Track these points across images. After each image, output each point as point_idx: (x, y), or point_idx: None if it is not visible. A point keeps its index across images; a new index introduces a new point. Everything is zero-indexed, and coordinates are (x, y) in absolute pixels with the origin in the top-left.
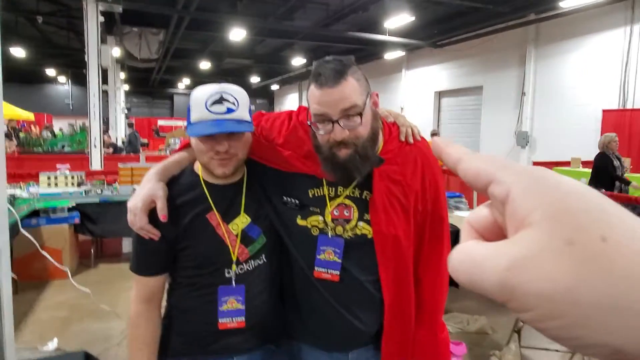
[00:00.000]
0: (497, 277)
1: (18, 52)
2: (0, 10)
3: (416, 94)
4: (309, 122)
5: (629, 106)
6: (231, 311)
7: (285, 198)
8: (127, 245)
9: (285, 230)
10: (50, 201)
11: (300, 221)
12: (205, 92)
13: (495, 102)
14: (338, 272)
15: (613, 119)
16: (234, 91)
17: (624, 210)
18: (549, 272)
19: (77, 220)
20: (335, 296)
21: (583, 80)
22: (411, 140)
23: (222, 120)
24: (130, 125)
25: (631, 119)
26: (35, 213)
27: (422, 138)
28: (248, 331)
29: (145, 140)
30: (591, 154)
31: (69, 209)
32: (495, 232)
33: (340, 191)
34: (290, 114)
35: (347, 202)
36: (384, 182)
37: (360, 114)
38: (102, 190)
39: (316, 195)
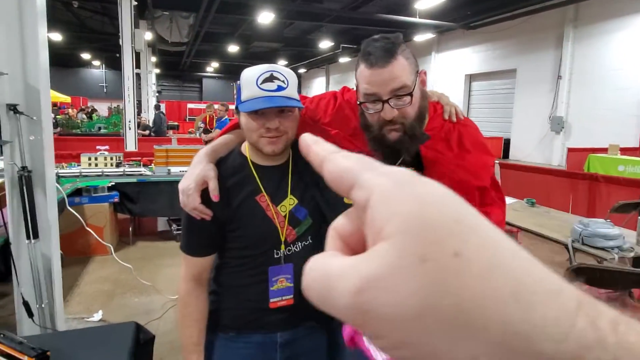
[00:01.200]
0: (348, 299)
1: (55, 36)
2: None
3: (446, 78)
4: (358, 102)
5: None
6: (281, 290)
7: None
8: (162, 224)
9: (331, 211)
10: (91, 180)
11: (347, 201)
12: (256, 71)
13: (529, 86)
14: None
15: None
16: (284, 70)
17: (485, 221)
18: (400, 295)
19: (116, 200)
20: None
21: (625, 63)
22: (454, 118)
23: (273, 97)
24: (156, 107)
25: None
26: (78, 192)
27: (465, 117)
28: (294, 308)
29: (175, 123)
30: (630, 140)
31: (109, 189)
32: (361, 242)
33: None
34: (334, 94)
35: None
36: (432, 157)
37: (410, 94)
38: (139, 172)
39: None
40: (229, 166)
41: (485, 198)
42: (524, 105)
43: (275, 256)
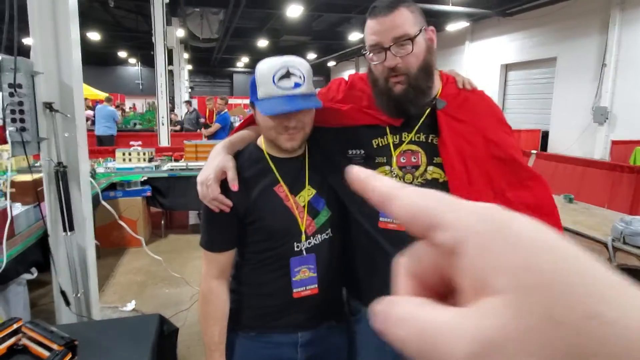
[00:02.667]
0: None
1: (93, 36)
2: None
3: (480, 68)
4: (363, 53)
5: None
6: (304, 280)
7: (350, 151)
8: (192, 217)
9: (350, 191)
10: (125, 175)
11: None
12: (271, 66)
13: (570, 75)
14: None
15: None
16: (299, 64)
17: (607, 270)
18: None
19: (149, 194)
20: (399, 247)
21: None
22: (468, 87)
23: (292, 97)
24: (189, 103)
25: None
26: (112, 186)
27: (478, 89)
28: (317, 303)
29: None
30: None
31: (142, 183)
32: (441, 283)
33: (404, 137)
34: (343, 78)
35: (413, 147)
36: (449, 123)
37: (412, 41)
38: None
39: (380, 145)
40: (246, 159)
41: (520, 173)
42: (564, 96)
43: (296, 249)
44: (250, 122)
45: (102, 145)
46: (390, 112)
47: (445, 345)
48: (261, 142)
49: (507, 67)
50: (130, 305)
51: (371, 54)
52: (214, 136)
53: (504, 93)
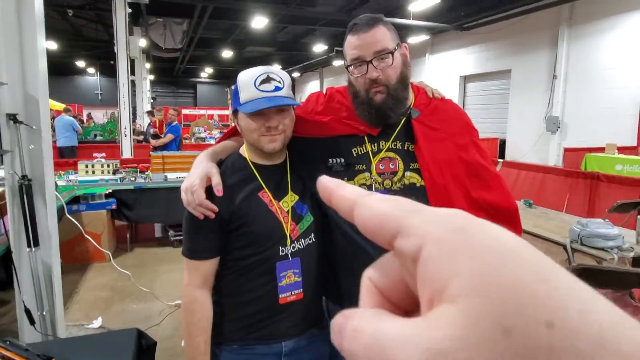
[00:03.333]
0: None
1: (50, 45)
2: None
3: (441, 79)
4: (345, 66)
5: None
6: (290, 285)
7: (330, 160)
8: (158, 230)
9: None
10: (89, 188)
11: (347, 182)
12: (252, 73)
13: (524, 86)
14: None
15: None
16: (279, 72)
17: (568, 276)
18: None
19: (114, 207)
20: (379, 251)
21: (621, 61)
22: (438, 96)
23: (273, 97)
24: (151, 113)
25: None
26: (75, 199)
27: (446, 97)
28: (302, 309)
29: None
30: (627, 139)
31: (106, 196)
32: (406, 296)
33: (382, 145)
34: (321, 91)
35: (391, 154)
36: (423, 130)
37: (392, 54)
38: (135, 178)
39: (360, 153)
40: (229, 166)
41: (484, 174)
42: (519, 106)
43: (281, 253)
44: (232, 133)
45: (62, 157)
46: (371, 121)
47: (394, 356)
48: (244, 150)
49: (466, 79)
50: (97, 323)
51: (352, 67)
52: (165, 147)
53: (463, 104)
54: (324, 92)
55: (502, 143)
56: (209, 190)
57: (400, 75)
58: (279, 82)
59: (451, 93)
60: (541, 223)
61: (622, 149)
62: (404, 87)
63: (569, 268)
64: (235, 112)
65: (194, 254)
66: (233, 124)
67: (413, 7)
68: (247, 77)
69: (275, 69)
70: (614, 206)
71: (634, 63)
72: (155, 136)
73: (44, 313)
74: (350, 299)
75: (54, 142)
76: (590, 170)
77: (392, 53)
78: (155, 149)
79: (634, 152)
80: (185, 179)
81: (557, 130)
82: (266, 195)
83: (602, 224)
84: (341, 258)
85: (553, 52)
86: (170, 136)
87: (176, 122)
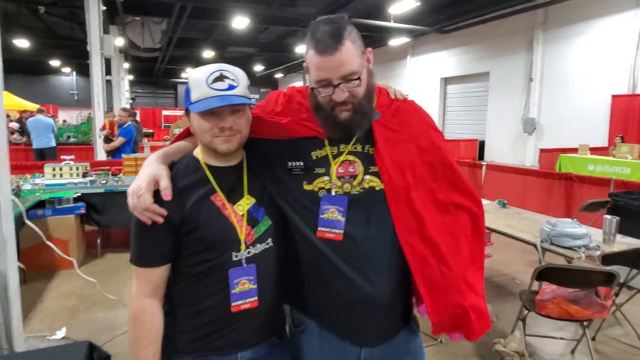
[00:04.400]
0: None
1: (22, 43)
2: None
3: (421, 81)
4: (310, 87)
5: (638, 91)
6: (244, 292)
7: (290, 163)
8: None
9: (290, 201)
10: (55, 192)
11: (306, 186)
12: (205, 71)
13: (502, 88)
14: (341, 231)
15: (623, 105)
16: (234, 69)
17: None
18: None
19: (82, 211)
20: (341, 256)
21: (592, 64)
22: (400, 97)
23: (225, 96)
24: (132, 114)
25: None
26: (41, 204)
27: (408, 99)
28: (257, 317)
29: (150, 131)
30: (599, 140)
31: (75, 200)
32: None
33: (342, 148)
34: (282, 90)
35: (351, 157)
36: (383, 133)
37: (359, 78)
38: (107, 181)
39: (319, 156)
40: (181, 168)
41: (452, 179)
42: (497, 108)
43: (234, 259)
44: (187, 134)
45: (43, 158)
46: (335, 135)
47: None
48: (198, 152)
49: (446, 81)
50: (60, 333)
51: (317, 87)
52: (118, 150)
53: (444, 105)
54: (285, 91)
55: (482, 144)
56: (157, 194)
57: (367, 88)
58: (233, 80)
59: (432, 95)
60: (514, 223)
61: (594, 150)
62: (370, 99)
63: (536, 268)
64: (187, 112)
65: (143, 261)
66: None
67: (394, 10)
68: (199, 75)
69: (231, 66)
70: (584, 205)
71: (603, 66)
72: (107, 139)
73: None
74: (314, 306)
75: (19, 144)
76: (565, 171)
77: (359, 76)
78: (108, 153)
79: (605, 153)
80: (133, 181)
81: (533, 131)
82: (219, 198)
83: (570, 223)
84: (303, 265)
85: (529, 56)
86: (121, 139)
87: (129, 122)
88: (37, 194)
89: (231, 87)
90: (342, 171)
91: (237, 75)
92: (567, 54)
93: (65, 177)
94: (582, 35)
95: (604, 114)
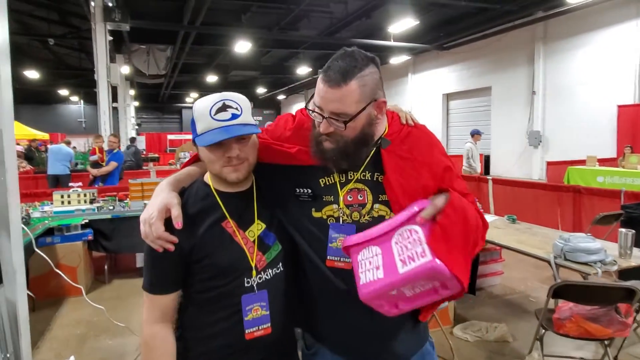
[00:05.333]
0: None
1: (32, 74)
2: (10, 33)
3: (423, 97)
4: (305, 106)
5: None
6: (257, 319)
7: (298, 190)
8: (140, 260)
9: (299, 227)
10: (63, 219)
11: (315, 213)
12: (207, 102)
13: (505, 102)
14: (351, 260)
15: (630, 114)
16: (236, 97)
17: None
18: None
19: (90, 237)
20: (351, 285)
21: (595, 76)
22: (411, 123)
23: (228, 127)
24: (131, 140)
25: None
26: (50, 231)
27: (419, 123)
28: (270, 344)
29: (156, 155)
30: (607, 151)
31: (83, 226)
32: None
33: (351, 176)
34: (291, 114)
35: (360, 185)
36: (393, 160)
37: (346, 122)
38: (114, 207)
39: (328, 183)
40: (192, 195)
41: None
42: (501, 122)
43: (247, 285)
44: (197, 158)
45: (58, 184)
46: (321, 164)
47: None
48: (208, 177)
49: (449, 97)
50: None
51: (312, 108)
52: (109, 175)
53: (447, 121)
54: (294, 115)
55: (487, 159)
56: (169, 222)
57: (359, 134)
58: (236, 109)
59: (435, 111)
60: (525, 239)
61: (602, 161)
62: (360, 146)
63: (552, 286)
64: (195, 142)
65: (154, 288)
66: None
67: (393, 29)
68: (202, 107)
69: (233, 94)
70: (596, 218)
71: (607, 77)
72: (96, 164)
73: (8, 355)
74: (324, 332)
75: (38, 171)
76: (573, 183)
77: (347, 120)
78: (96, 179)
79: (614, 164)
80: (144, 209)
81: (539, 144)
82: (230, 225)
83: (583, 238)
84: (313, 291)
85: (530, 69)
86: (113, 164)
87: (117, 149)
88: (46, 221)
89: (234, 117)
90: (350, 199)
91: (239, 103)
92: (570, 66)
93: (73, 204)
94: (583, 47)
95: (610, 124)
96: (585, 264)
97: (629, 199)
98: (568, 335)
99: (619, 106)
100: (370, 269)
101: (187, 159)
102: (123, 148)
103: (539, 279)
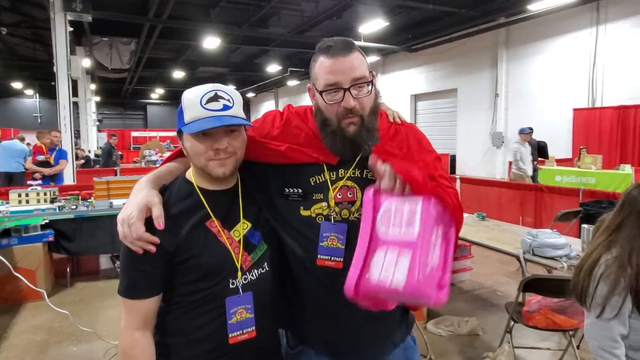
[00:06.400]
0: None
1: None
2: None
3: (392, 98)
4: (319, 91)
5: (597, 104)
6: (241, 322)
7: (287, 190)
8: (104, 262)
9: (286, 226)
10: (21, 219)
11: (303, 212)
12: (198, 91)
13: (469, 104)
14: (342, 259)
15: (583, 118)
16: (228, 89)
17: None
18: None
19: (51, 238)
20: (341, 284)
21: (553, 80)
22: (398, 121)
23: (219, 116)
24: (112, 135)
25: (600, 116)
26: (6, 232)
27: (407, 122)
28: (255, 348)
29: (119, 153)
30: (564, 152)
31: (42, 227)
32: None
33: (341, 174)
34: (278, 110)
35: (350, 183)
36: (383, 157)
37: (370, 83)
38: (76, 206)
39: (318, 182)
40: (174, 193)
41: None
42: (466, 123)
43: (232, 286)
44: (178, 154)
45: (11, 183)
46: (343, 152)
47: None
48: (190, 174)
49: (416, 97)
50: None
51: (325, 93)
52: (56, 176)
53: (414, 121)
54: (281, 111)
55: (453, 158)
56: (149, 221)
57: (374, 104)
58: (228, 100)
59: (403, 111)
60: (495, 235)
61: (560, 161)
62: (376, 117)
63: (523, 280)
64: (180, 133)
65: (133, 293)
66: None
67: (363, 29)
68: (193, 95)
69: (225, 86)
70: (558, 215)
71: (564, 82)
72: (44, 163)
73: None
74: (310, 333)
75: None
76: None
77: (369, 82)
78: (44, 177)
79: (571, 164)
80: (123, 208)
81: (501, 145)
82: (214, 224)
83: (550, 234)
84: (299, 292)
85: (494, 72)
86: (64, 162)
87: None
88: (2, 221)
89: (226, 108)
90: (340, 197)
91: (231, 95)
92: (530, 70)
93: (32, 203)
94: (542, 53)
95: (566, 126)
96: (552, 258)
97: (586, 196)
98: (537, 327)
99: (575, 109)
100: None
101: (156, 157)
102: (93, 146)
103: (505, 274)
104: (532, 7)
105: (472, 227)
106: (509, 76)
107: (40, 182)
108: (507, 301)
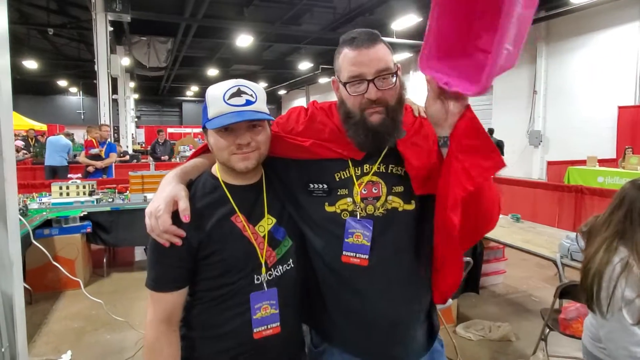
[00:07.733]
0: None
1: (30, 64)
2: (9, 22)
3: (425, 96)
4: (342, 82)
5: None
6: (266, 318)
7: (311, 185)
8: (139, 253)
9: (310, 222)
10: (62, 211)
11: (328, 208)
12: (222, 87)
13: (506, 102)
14: (367, 256)
15: (630, 115)
16: (251, 85)
17: None
18: None
19: (89, 230)
20: (366, 281)
21: (596, 76)
22: (424, 115)
23: (241, 111)
24: (159, 131)
25: None
26: (48, 223)
27: None
28: (279, 345)
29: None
30: (607, 152)
31: (81, 219)
32: None
33: (366, 169)
34: (303, 107)
35: (375, 178)
36: (410, 149)
37: (394, 74)
38: (113, 199)
39: (343, 177)
40: (199, 188)
41: None
42: (502, 121)
43: (256, 282)
44: (204, 150)
45: (55, 176)
46: (365, 144)
47: None
48: (216, 169)
49: None
50: (66, 357)
51: (348, 85)
52: (107, 169)
53: None
54: (306, 107)
55: None
56: (176, 215)
57: (399, 96)
58: (251, 95)
59: None
60: (531, 238)
61: (602, 162)
62: (401, 109)
63: (559, 286)
64: (204, 129)
65: (159, 286)
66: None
67: (395, 26)
68: (216, 91)
69: (249, 82)
70: None
71: (608, 78)
72: (96, 157)
73: (3, 350)
74: (333, 331)
75: (36, 162)
76: (573, 183)
77: (394, 74)
78: (97, 170)
79: (614, 165)
80: (150, 202)
81: (539, 144)
82: (239, 219)
83: None
84: (323, 289)
85: (532, 68)
86: (114, 155)
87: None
88: (44, 213)
89: (248, 103)
90: (365, 192)
91: (254, 90)
92: (571, 66)
93: (72, 195)
94: (584, 48)
95: (610, 125)
96: None
97: None
98: (574, 336)
99: (620, 107)
100: None
101: (190, 153)
102: (129, 142)
103: (542, 278)
104: (574, 0)
105: (506, 228)
106: (549, 72)
107: (93, 174)
108: (542, 307)
